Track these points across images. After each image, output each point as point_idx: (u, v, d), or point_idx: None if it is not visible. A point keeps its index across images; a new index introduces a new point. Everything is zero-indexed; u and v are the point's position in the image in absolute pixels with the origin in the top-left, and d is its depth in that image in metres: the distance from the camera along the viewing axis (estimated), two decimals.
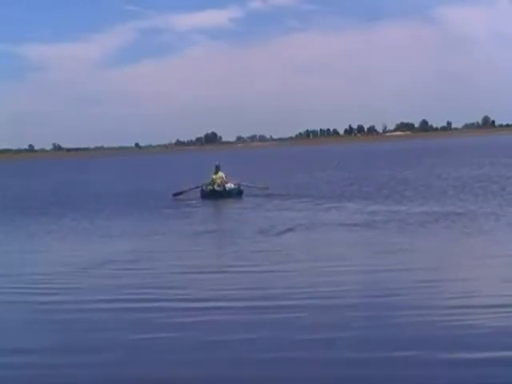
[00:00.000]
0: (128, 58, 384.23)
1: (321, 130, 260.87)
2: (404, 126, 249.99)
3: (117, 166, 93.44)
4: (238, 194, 27.76)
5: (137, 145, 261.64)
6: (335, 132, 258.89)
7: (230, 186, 27.76)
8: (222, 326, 8.48)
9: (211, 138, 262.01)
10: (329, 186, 32.40)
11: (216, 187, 27.55)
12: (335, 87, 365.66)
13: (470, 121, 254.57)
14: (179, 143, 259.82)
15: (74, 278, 11.95)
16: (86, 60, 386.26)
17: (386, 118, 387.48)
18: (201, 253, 14.33)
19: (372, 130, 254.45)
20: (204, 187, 27.96)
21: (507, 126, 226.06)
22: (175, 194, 28.46)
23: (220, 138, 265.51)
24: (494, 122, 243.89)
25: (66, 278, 12.03)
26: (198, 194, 27.89)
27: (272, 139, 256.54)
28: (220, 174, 28.14)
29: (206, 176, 28.74)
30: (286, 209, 22.58)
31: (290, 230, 16.91)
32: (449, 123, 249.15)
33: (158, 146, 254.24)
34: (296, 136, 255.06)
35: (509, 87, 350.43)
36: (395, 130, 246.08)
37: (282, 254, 13.47)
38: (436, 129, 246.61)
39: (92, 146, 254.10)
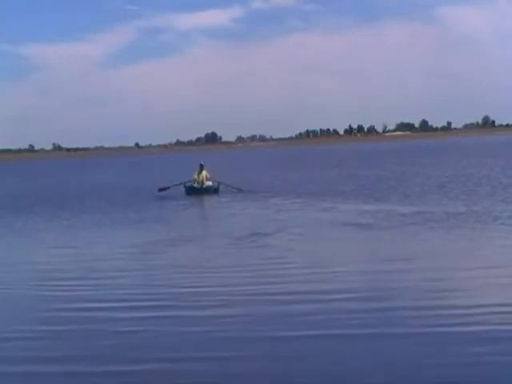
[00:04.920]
0: (129, 57, 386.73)
1: (321, 129, 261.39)
2: (404, 126, 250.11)
3: (116, 166, 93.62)
4: (214, 191, 30.39)
5: (137, 145, 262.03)
6: (335, 132, 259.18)
7: (208, 183, 30.49)
8: None
9: (211, 138, 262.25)
10: (314, 185, 33.06)
11: (195, 185, 30.38)
12: (335, 87, 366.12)
13: (470, 121, 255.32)
14: (179, 143, 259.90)
15: None
16: (87, 60, 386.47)
17: (386, 118, 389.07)
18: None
19: (372, 129, 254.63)
20: (187, 184, 30.83)
21: (507, 125, 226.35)
22: (160, 189, 31.07)
23: (220, 138, 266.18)
24: (494, 121, 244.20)
25: None
26: (183, 190, 30.46)
27: (272, 139, 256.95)
28: (204, 172, 30.70)
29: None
30: (264, 208, 23.27)
31: (265, 234, 16.43)
32: (449, 123, 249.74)
33: (158, 145, 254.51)
34: (296, 136, 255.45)
35: (509, 87, 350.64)
36: (395, 130, 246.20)
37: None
38: (436, 129, 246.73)
39: (92, 146, 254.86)
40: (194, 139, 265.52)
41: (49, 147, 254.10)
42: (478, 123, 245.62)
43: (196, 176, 30.67)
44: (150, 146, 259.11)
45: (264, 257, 13.25)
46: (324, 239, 15.48)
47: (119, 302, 9.95)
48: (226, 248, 14.57)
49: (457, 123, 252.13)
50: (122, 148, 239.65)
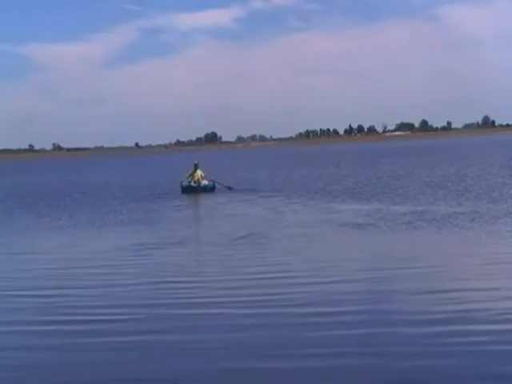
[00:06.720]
0: (129, 57, 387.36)
1: (321, 129, 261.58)
2: (404, 126, 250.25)
3: (116, 166, 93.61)
4: (211, 189, 31.14)
5: (137, 145, 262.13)
6: (335, 132, 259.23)
7: (204, 182, 31.19)
8: None
9: (211, 138, 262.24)
10: (313, 184, 33.30)
11: (192, 183, 31.01)
12: (335, 87, 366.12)
13: (470, 121, 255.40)
14: (179, 143, 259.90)
15: None
16: (88, 60, 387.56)
17: (386, 118, 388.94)
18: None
19: (372, 129, 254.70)
20: (182, 183, 31.46)
21: (507, 125, 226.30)
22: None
23: (220, 137, 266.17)
24: (494, 121, 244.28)
25: None
26: (179, 189, 31.17)
27: (272, 139, 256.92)
28: (198, 171, 31.28)
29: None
30: (263, 208, 23.55)
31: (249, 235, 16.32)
32: (449, 123, 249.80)
33: (158, 145, 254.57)
34: (296, 136, 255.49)
35: (509, 87, 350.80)
36: (395, 130, 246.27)
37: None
38: (436, 129, 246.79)
39: (92, 146, 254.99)
40: (194, 139, 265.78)
41: (49, 147, 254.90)
42: (478, 123, 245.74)
43: (190, 174, 31.23)
44: (149, 146, 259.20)
45: (262, 262, 12.98)
46: (322, 240, 15.50)
47: (101, 324, 8.84)
48: (223, 252, 14.36)
49: (457, 123, 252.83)
50: (121, 148, 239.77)
